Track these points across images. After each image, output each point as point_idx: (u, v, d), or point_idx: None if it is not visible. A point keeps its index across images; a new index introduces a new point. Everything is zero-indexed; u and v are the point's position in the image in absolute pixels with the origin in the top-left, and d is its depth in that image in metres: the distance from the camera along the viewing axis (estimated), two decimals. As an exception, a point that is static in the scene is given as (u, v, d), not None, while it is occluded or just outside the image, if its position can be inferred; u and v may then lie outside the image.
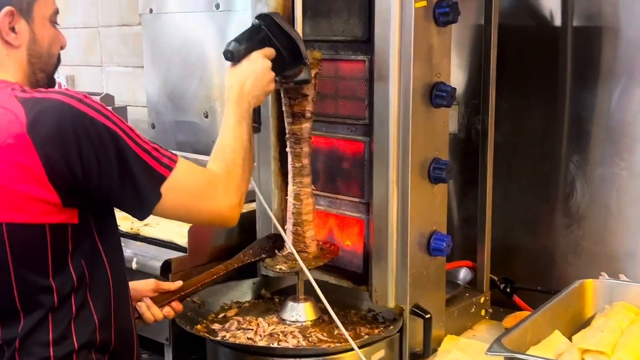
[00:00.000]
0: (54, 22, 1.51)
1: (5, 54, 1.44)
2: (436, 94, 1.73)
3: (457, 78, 2.18)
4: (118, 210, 1.46)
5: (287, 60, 1.67)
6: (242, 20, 2.82)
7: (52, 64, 1.52)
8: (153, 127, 3.26)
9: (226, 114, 1.58)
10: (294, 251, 1.80)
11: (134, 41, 3.34)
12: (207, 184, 1.46)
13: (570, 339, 1.64)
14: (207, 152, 2.98)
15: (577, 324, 1.74)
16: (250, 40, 1.64)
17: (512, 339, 1.52)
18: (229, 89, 1.60)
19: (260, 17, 1.69)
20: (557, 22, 2.11)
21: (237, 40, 1.63)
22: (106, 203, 1.41)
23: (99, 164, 1.33)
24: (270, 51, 1.64)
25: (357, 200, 1.89)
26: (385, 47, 1.70)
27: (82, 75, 3.56)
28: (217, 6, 2.91)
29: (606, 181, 2.07)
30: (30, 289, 1.36)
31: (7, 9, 1.41)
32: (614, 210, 2.07)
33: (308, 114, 1.79)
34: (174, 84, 3.15)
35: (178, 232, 2.15)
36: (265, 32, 1.65)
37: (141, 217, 1.43)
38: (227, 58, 1.62)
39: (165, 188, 1.38)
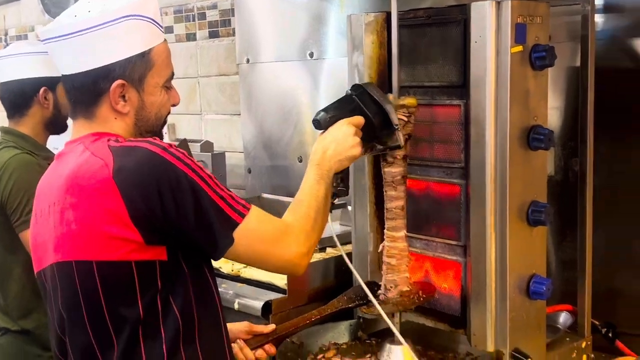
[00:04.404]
0: (167, 87, 1.59)
1: (114, 117, 1.55)
2: (534, 137, 1.74)
3: (552, 120, 2.16)
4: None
5: (377, 126, 1.71)
6: (334, 68, 2.93)
7: (159, 125, 1.62)
8: (249, 171, 3.37)
9: (307, 173, 1.65)
10: (375, 301, 1.77)
11: (231, 90, 3.49)
12: (279, 232, 1.53)
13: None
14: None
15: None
16: (340, 109, 1.70)
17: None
18: (313, 153, 1.67)
19: (353, 87, 1.75)
20: (656, 61, 2.09)
21: (325, 109, 1.70)
22: (186, 242, 1.47)
23: (177, 207, 1.41)
24: (358, 119, 1.69)
25: (454, 243, 1.89)
26: (482, 92, 1.73)
27: (182, 123, 3.72)
28: (311, 55, 3.01)
29: None
30: (121, 321, 1.44)
31: (118, 82, 1.51)
32: None
33: (401, 158, 1.82)
34: (270, 130, 3.26)
35: (277, 274, 2.21)
36: (356, 102, 1.71)
37: (216, 258, 1.52)
38: (315, 126, 1.70)
39: (237, 233, 1.46)
